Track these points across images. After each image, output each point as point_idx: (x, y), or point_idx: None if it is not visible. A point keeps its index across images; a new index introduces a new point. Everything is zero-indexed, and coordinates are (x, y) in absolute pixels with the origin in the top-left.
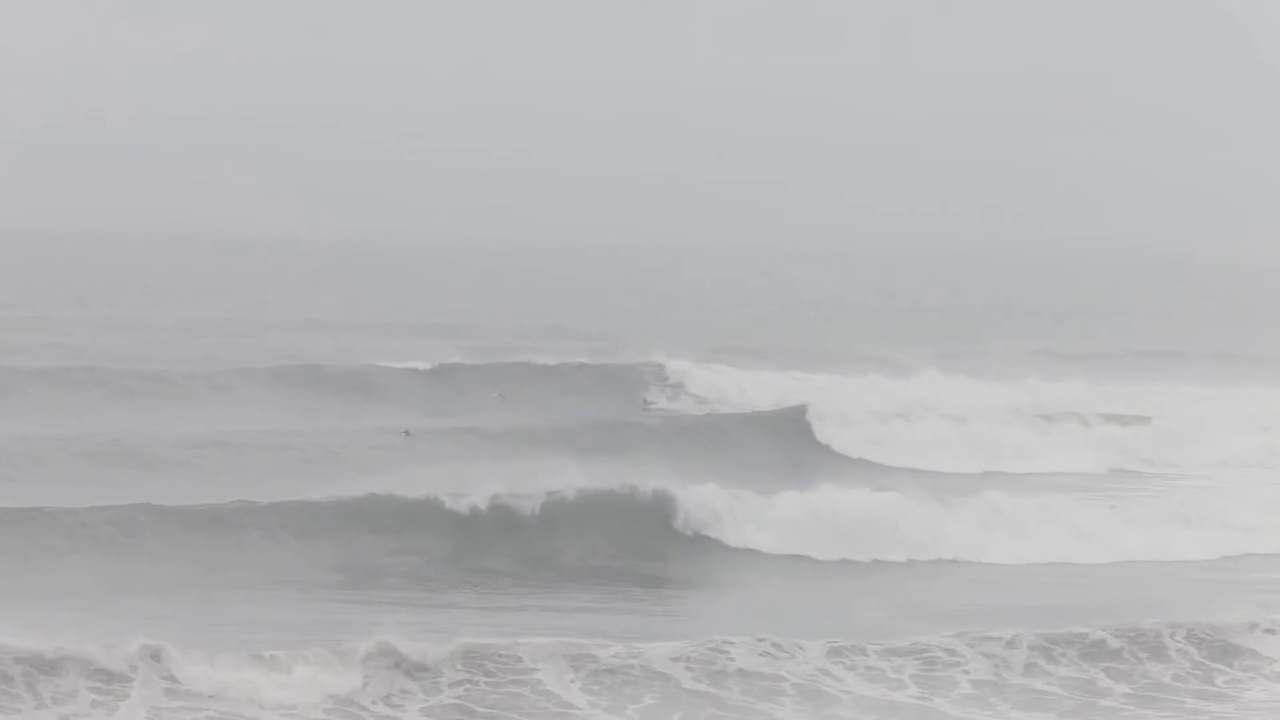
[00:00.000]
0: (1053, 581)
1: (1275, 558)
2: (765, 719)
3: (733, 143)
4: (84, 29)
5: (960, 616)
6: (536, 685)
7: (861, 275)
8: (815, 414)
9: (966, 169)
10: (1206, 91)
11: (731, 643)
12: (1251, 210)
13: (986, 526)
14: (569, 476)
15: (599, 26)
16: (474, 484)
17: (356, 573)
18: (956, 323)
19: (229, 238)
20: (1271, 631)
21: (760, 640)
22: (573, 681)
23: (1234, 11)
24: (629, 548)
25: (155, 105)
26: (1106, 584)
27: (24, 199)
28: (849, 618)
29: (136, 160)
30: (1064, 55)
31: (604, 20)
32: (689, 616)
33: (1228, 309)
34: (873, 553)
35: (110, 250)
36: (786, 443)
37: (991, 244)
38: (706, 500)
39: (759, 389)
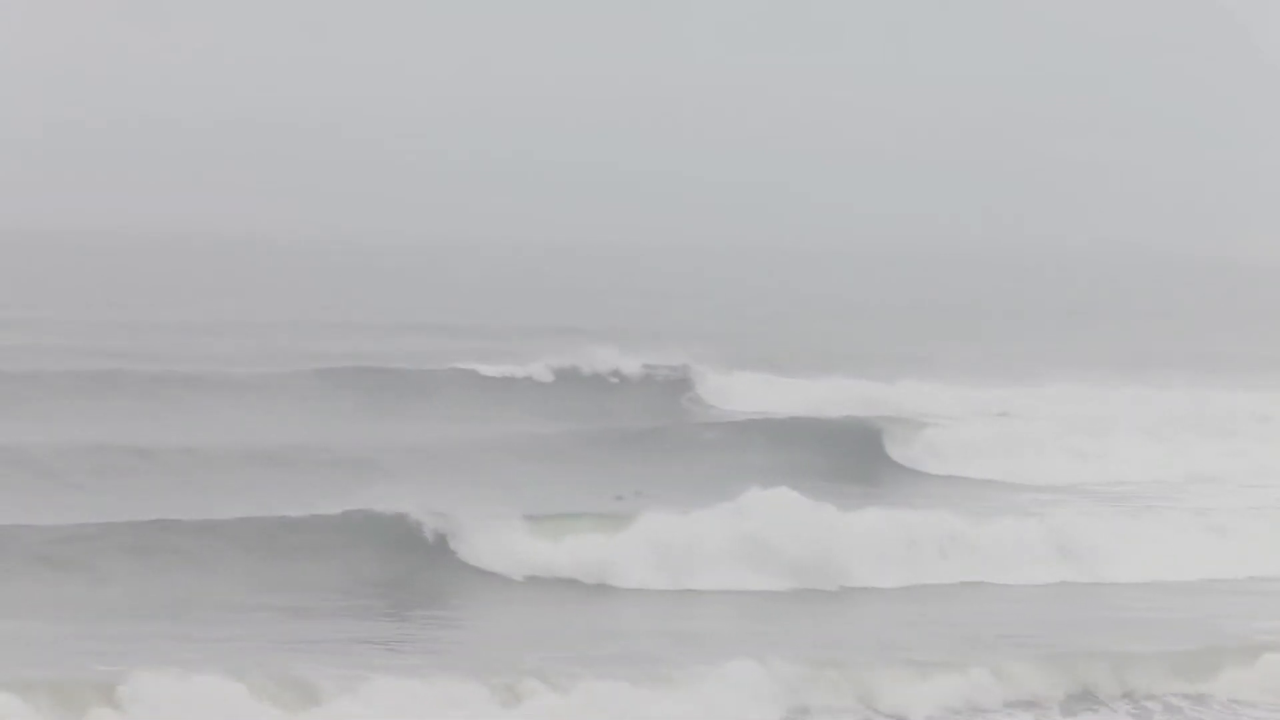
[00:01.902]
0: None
1: None
2: None
3: (733, 143)
4: (84, 29)
5: None
6: None
7: (865, 275)
8: (884, 424)
9: (966, 169)
10: (1206, 92)
11: None
12: (1252, 210)
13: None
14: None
15: (599, 27)
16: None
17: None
18: (969, 324)
19: (229, 238)
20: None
21: None
22: None
23: (1234, 11)
24: None
25: (155, 105)
26: None
27: (24, 199)
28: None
29: (136, 160)
30: (1064, 55)
31: (604, 20)
32: None
33: (1251, 312)
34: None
35: (110, 251)
36: (854, 454)
37: (992, 244)
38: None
39: (792, 393)
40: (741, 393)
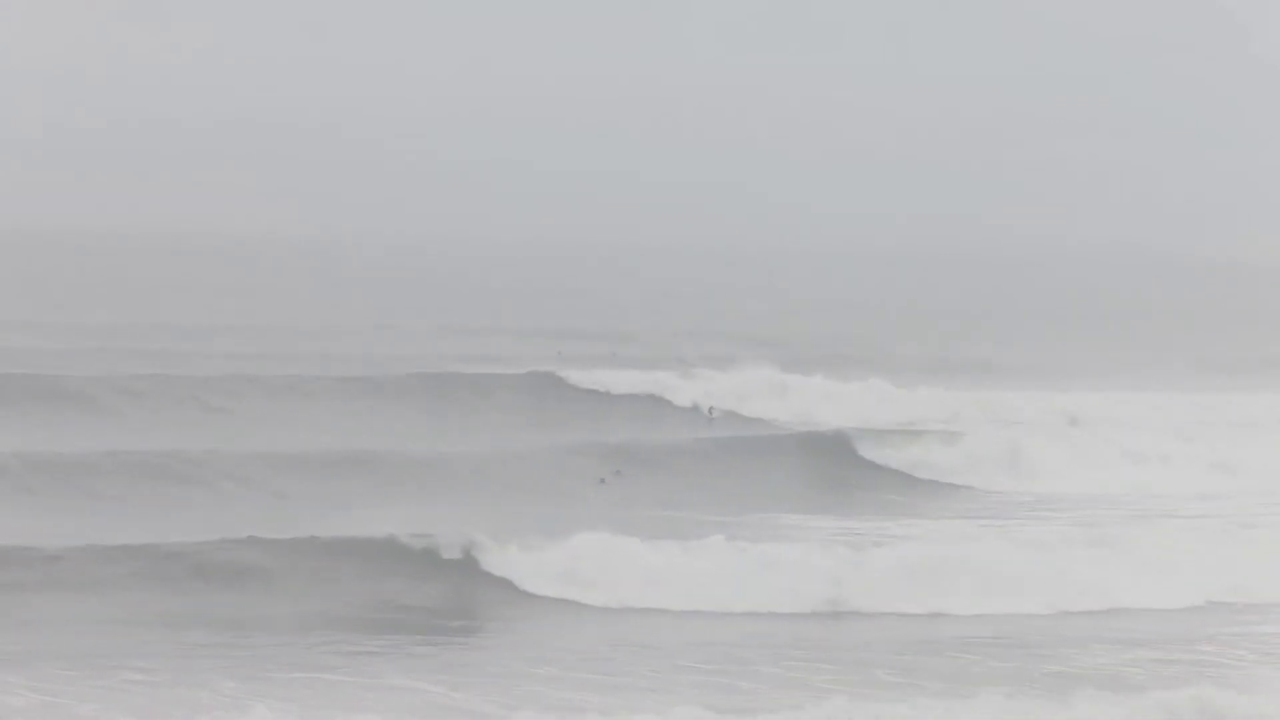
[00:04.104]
0: None
1: None
2: None
3: (733, 143)
4: (84, 29)
5: None
6: None
7: (865, 277)
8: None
9: (967, 169)
10: (1206, 92)
11: None
12: (1253, 211)
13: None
14: None
15: (598, 27)
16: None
17: None
18: (971, 326)
19: (229, 238)
20: None
21: None
22: None
23: (1234, 11)
24: None
25: (155, 105)
26: None
27: (24, 199)
28: None
29: (136, 160)
30: (1064, 55)
31: (603, 21)
32: None
33: (1253, 313)
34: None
35: (113, 252)
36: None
37: (992, 244)
38: None
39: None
40: (775, 400)
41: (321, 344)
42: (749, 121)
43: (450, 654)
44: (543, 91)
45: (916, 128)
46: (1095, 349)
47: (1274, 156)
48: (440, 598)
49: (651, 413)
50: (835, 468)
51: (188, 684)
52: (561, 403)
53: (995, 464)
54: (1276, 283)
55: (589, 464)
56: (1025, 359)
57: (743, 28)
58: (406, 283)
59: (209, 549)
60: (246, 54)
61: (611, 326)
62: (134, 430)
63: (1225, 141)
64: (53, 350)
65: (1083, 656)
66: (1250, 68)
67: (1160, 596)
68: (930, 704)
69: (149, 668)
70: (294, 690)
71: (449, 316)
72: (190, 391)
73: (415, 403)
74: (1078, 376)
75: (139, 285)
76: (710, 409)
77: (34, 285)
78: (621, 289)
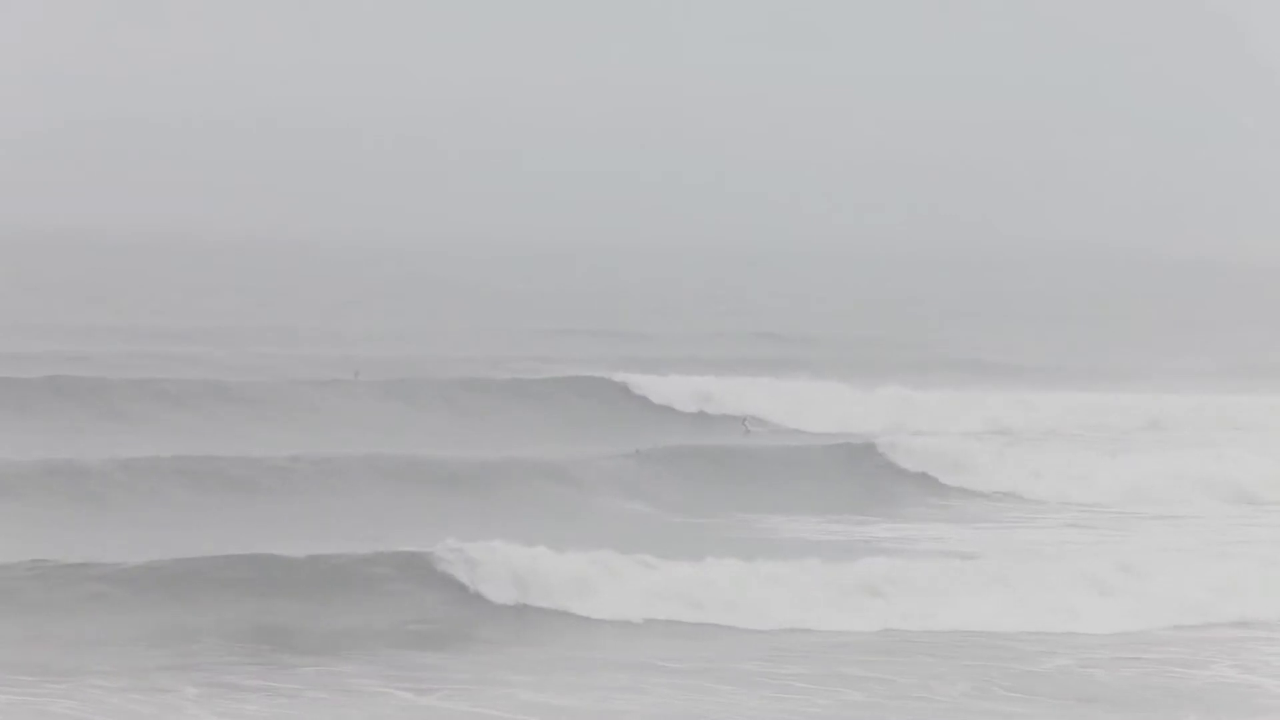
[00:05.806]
0: None
1: None
2: None
3: (732, 145)
4: (84, 29)
5: None
6: None
7: (866, 278)
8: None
9: (967, 169)
10: (1204, 93)
11: None
12: (1252, 210)
13: None
14: None
15: (598, 29)
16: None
17: None
18: (972, 327)
19: (230, 239)
20: None
21: None
22: None
23: (1231, 13)
24: None
25: (156, 105)
26: None
27: (24, 199)
28: None
29: (136, 160)
30: (1063, 56)
31: (604, 24)
32: None
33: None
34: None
35: (113, 252)
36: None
37: (992, 244)
38: None
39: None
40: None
41: (324, 347)
42: (749, 122)
43: (422, 659)
44: (543, 93)
45: (916, 128)
46: (1097, 350)
47: (1271, 157)
48: (414, 606)
49: (682, 419)
50: (851, 473)
51: (150, 689)
52: (604, 407)
53: (1002, 468)
54: (1277, 283)
55: (607, 467)
56: (1028, 360)
57: (742, 29)
58: (409, 284)
59: (198, 562)
60: (247, 54)
61: (616, 327)
62: (135, 434)
63: (1223, 142)
64: (52, 351)
65: (1102, 674)
66: (1248, 69)
67: (1177, 610)
68: None
69: (115, 675)
70: (262, 696)
71: (455, 318)
72: (204, 394)
73: (455, 407)
74: (1082, 377)
75: (139, 285)
76: (745, 421)
77: (34, 285)
78: (623, 290)
